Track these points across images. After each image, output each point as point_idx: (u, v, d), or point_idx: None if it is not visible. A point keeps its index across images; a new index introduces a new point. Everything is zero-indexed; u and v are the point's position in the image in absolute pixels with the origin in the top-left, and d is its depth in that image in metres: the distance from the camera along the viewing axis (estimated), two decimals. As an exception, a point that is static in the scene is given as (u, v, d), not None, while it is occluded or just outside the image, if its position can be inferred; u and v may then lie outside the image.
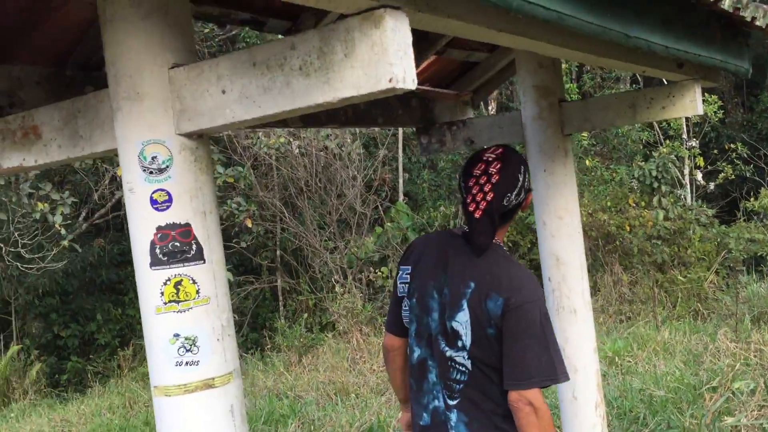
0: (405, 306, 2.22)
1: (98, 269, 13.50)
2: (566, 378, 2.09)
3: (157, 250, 1.52)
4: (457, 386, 2.12)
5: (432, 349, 2.15)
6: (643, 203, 11.02)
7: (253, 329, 12.38)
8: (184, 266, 1.53)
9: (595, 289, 11.03)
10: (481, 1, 1.40)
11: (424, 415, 2.19)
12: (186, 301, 1.53)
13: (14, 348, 10.44)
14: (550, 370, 2.05)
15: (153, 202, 1.52)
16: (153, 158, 1.52)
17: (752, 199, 11.42)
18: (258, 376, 8.31)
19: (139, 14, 1.51)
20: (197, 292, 1.54)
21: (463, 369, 2.11)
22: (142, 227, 1.53)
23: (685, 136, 12.48)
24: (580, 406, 3.01)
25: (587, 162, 11.98)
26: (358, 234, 11.43)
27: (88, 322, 13.08)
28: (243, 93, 1.43)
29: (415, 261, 2.24)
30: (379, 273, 11.42)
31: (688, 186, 12.19)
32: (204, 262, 1.55)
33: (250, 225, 11.76)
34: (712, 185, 11.99)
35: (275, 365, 9.01)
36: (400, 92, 1.28)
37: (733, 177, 11.68)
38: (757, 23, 2.47)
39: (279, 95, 1.38)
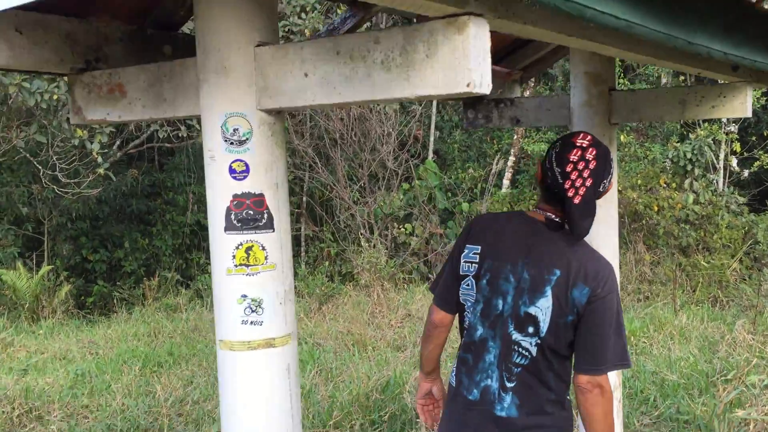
0: (468, 285, 2.24)
1: (129, 198, 13.79)
2: (630, 363, 2.20)
3: (232, 216, 1.64)
4: (516, 369, 2.19)
5: (496, 330, 2.20)
6: (674, 185, 10.98)
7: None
8: (255, 233, 1.65)
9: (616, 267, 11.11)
10: (557, 11, 1.46)
11: (475, 391, 2.25)
12: (255, 265, 1.65)
13: (46, 268, 10.75)
14: (623, 355, 2.15)
15: (231, 171, 1.63)
16: (234, 130, 1.63)
17: (786, 190, 11.33)
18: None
19: (234, -8, 1.59)
20: (265, 258, 1.66)
21: (527, 354, 2.18)
22: (220, 193, 1.65)
23: (724, 119, 12.34)
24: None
25: (622, 137, 11.90)
26: (388, 190, 11.52)
27: (116, 249, 13.42)
28: (325, 78, 1.53)
29: (488, 241, 2.24)
30: (403, 229, 11.56)
31: (721, 171, 12.09)
32: (273, 231, 1.67)
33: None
34: (746, 172, 11.89)
35: (296, 311, 9.24)
36: (475, 95, 1.37)
37: (767, 166, 11.56)
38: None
39: (360, 85, 1.48)
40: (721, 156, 12.04)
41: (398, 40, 1.41)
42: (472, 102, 3.51)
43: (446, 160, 14.58)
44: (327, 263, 12.37)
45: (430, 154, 13.72)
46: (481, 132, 14.65)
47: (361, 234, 9.83)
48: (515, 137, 12.98)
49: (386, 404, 5.03)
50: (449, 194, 12.96)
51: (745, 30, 2.34)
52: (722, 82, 2.90)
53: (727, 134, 11.72)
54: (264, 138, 1.65)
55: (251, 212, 1.64)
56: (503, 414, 2.21)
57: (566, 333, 2.15)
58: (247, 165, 1.63)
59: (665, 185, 11.09)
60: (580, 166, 2.11)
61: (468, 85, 1.33)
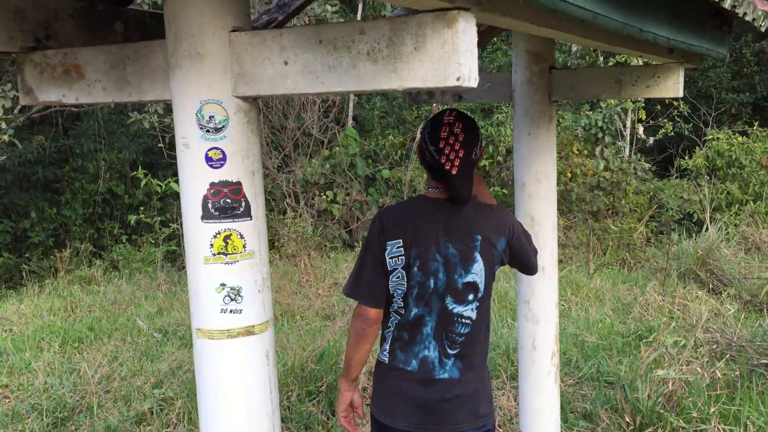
0: (399, 276, 2.33)
1: (35, 166, 13.16)
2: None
3: (210, 205, 1.62)
4: (460, 339, 2.37)
5: (431, 306, 2.35)
6: (585, 152, 11.39)
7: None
8: (233, 221, 1.63)
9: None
10: (532, 2, 1.51)
11: (413, 362, 2.38)
12: (233, 254, 1.64)
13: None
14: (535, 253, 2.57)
15: (208, 159, 1.61)
16: (210, 117, 1.60)
17: (687, 157, 11.94)
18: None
19: (207, -24, 1.55)
20: (244, 246, 1.65)
21: (468, 321, 2.37)
22: (196, 182, 1.62)
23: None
24: (538, 354, 3.28)
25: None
26: (311, 158, 11.43)
27: (21, 219, 12.81)
28: (306, 67, 1.52)
29: (407, 231, 2.33)
30: (324, 197, 11.55)
31: (628, 138, 12.61)
32: (251, 219, 1.66)
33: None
34: (651, 140, 12.43)
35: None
36: (463, 89, 1.40)
37: (672, 134, 12.13)
38: (747, 18, 2.64)
39: (344, 75, 1.48)
40: (628, 124, 12.54)
41: (385, 31, 1.42)
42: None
43: (365, 127, 14.59)
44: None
45: (350, 121, 13.69)
46: (399, 98, 14.70)
47: (287, 203, 9.74)
48: (434, 105, 13.10)
49: (322, 375, 5.09)
50: (370, 161, 13.01)
51: (684, 14, 2.45)
52: (656, 62, 3.03)
53: (634, 103, 12.19)
54: (240, 125, 1.62)
55: (229, 200, 1.63)
56: (444, 375, 2.38)
57: (492, 282, 2.43)
58: (224, 153, 1.61)
59: (578, 152, 11.48)
60: (451, 140, 2.28)
61: (458, 79, 1.36)
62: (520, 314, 3.33)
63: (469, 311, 2.37)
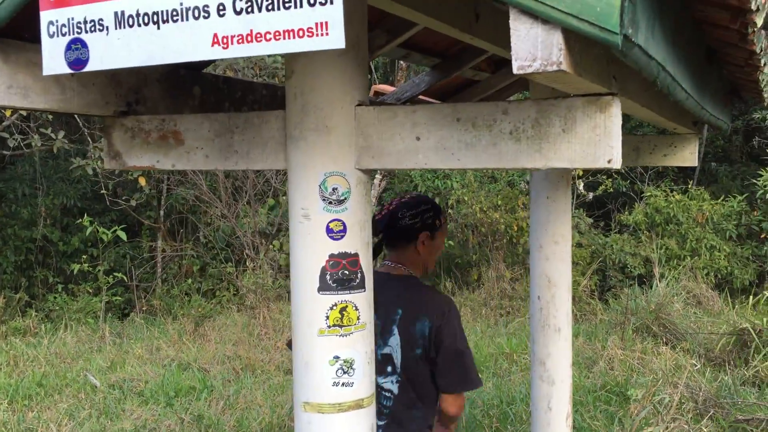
0: None
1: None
2: (480, 383, 2.51)
3: (328, 277, 1.60)
4: (385, 410, 2.41)
5: None
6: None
7: (128, 290, 12.00)
8: (350, 293, 1.62)
9: (479, 283, 11.65)
10: (652, 87, 1.59)
11: None
12: (348, 326, 1.62)
13: None
14: (475, 377, 2.47)
15: (329, 231, 1.59)
16: (333, 189, 1.59)
17: (626, 212, 12.42)
18: (158, 344, 8.13)
19: (338, 50, 1.56)
20: (358, 318, 1.63)
21: (389, 395, 2.41)
22: (314, 253, 1.60)
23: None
24: (553, 416, 3.31)
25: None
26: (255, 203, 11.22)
27: (-56, 266, 12.13)
28: (440, 144, 1.54)
29: None
30: (272, 246, 11.42)
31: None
32: (365, 291, 1.65)
33: (143, 184, 11.38)
34: (591, 195, 12.88)
35: (169, 333, 8.85)
36: (611, 170, 1.45)
37: (611, 190, 12.61)
38: (765, 95, 2.83)
39: (483, 153, 1.50)
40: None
41: (530, 113, 1.46)
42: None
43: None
44: (189, 280, 11.94)
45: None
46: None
47: (246, 254, 9.57)
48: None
49: (304, 433, 4.96)
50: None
51: (717, 94, 2.61)
52: (667, 131, 3.19)
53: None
54: (360, 197, 1.62)
55: (347, 272, 1.61)
56: None
57: (420, 366, 2.42)
58: (344, 224, 1.60)
59: (523, 206, 11.78)
60: (394, 202, 2.59)
61: (609, 162, 1.40)
62: (534, 375, 3.37)
63: (389, 384, 2.42)
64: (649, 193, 12.03)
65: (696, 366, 6.26)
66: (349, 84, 1.59)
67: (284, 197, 12.64)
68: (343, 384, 1.63)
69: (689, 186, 12.27)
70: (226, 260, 11.11)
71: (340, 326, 1.62)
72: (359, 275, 1.63)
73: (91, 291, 11.32)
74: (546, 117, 1.45)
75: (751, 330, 6.62)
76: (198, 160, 1.75)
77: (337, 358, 1.62)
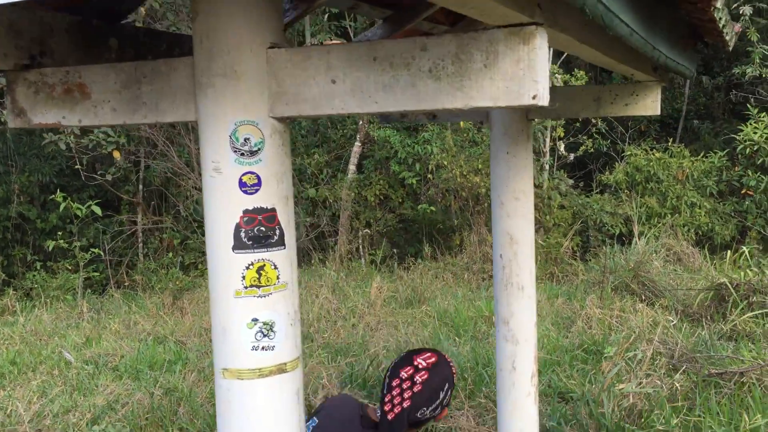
0: None
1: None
2: None
3: (242, 234, 1.49)
4: None
5: None
6: (511, 168, 11.60)
7: (111, 266, 11.88)
8: (267, 251, 1.51)
9: (461, 248, 11.58)
10: (599, 25, 1.47)
11: None
12: (267, 286, 1.51)
13: None
14: None
15: (242, 185, 1.48)
16: (245, 140, 1.47)
17: (606, 173, 12.36)
18: (135, 318, 8.04)
19: (244, -12, 1.43)
20: (277, 277, 1.53)
21: None
22: (227, 209, 1.49)
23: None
24: (518, 376, 3.24)
25: (461, 123, 12.38)
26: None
27: None
28: (357, 86, 1.42)
29: (322, 420, 2.23)
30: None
31: (548, 155, 12.95)
32: (284, 248, 1.54)
33: (118, 157, 11.19)
34: (572, 156, 12.80)
35: (147, 307, 8.75)
36: (536, 107, 1.34)
37: (591, 150, 12.53)
38: (727, 38, 2.71)
39: (401, 94, 1.39)
40: (548, 141, 12.88)
41: (450, 48, 1.34)
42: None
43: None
44: (171, 254, 11.82)
45: (274, 140, 13.48)
46: (324, 118, 14.62)
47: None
48: (360, 123, 13.08)
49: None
50: (296, 180, 12.84)
51: (672, 35, 2.49)
52: (631, 80, 3.08)
53: (554, 120, 12.53)
54: (276, 147, 1.50)
55: (263, 228, 1.50)
56: None
57: None
58: (258, 177, 1.49)
59: (504, 169, 11.65)
60: (405, 385, 2.12)
61: (534, 98, 1.29)
62: (498, 335, 3.29)
63: None
64: (629, 152, 11.95)
65: (672, 322, 6.23)
66: (260, 25, 1.47)
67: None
68: (263, 348, 1.53)
69: (669, 144, 12.19)
70: (191, 232, 10.95)
71: (258, 287, 1.51)
72: (277, 232, 1.52)
73: (70, 268, 11.19)
74: (466, 52, 1.33)
75: (728, 284, 6.60)
76: (105, 115, 1.62)
77: (255, 320, 1.52)
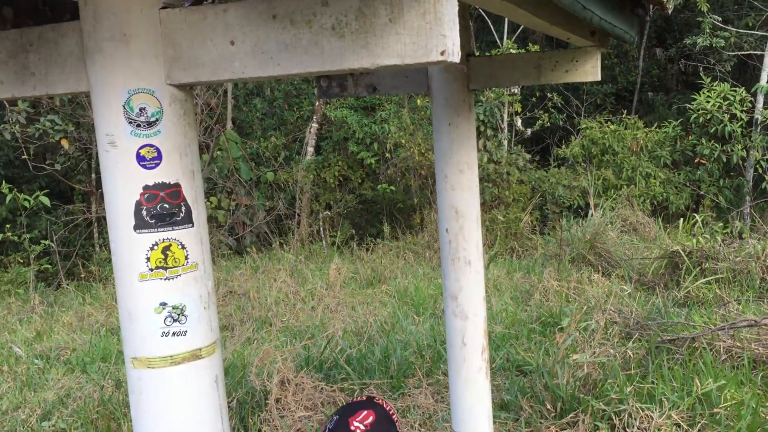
0: None
1: None
2: None
3: (144, 212, 1.38)
4: None
5: None
6: (469, 145, 11.56)
7: (66, 257, 11.59)
8: (173, 230, 1.41)
9: (422, 226, 11.54)
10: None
11: None
12: (174, 267, 1.41)
13: None
14: None
15: (140, 158, 1.37)
16: (141, 110, 1.36)
17: (563, 146, 12.39)
18: (89, 310, 7.84)
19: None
20: (186, 257, 1.43)
21: None
22: (126, 186, 1.38)
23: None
24: (468, 351, 3.18)
25: (418, 101, 12.29)
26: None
27: None
28: (258, 47, 1.32)
29: None
30: (208, 203, 11.10)
31: (506, 131, 12.94)
32: (192, 226, 1.44)
33: (66, 146, 10.87)
34: (529, 131, 12.81)
35: (101, 298, 8.55)
36: (445, 64, 1.25)
37: (548, 124, 12.54)
38: (664, 0, 2.65)
39: (305, 55, 1.29)
40: (505, 117, 12.85)
41: (353, 2, 1.24)
42: (321, 70, 3.34)
43: (245, 130, 14.18)
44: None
45: (229, 124, 13.25)
46: (280, 99, 14.40)
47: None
48: (317, 104, 12.91)
49: (230, 389, 4.80)
50: (253, 164, 12.65)
51: (609, -3, 2.42)
52: (571, 46, 3.01)
53: (511, 96, 12.51)
54: (176, 118, 1.40)
55: (167, 206, 1.40)
56: None
57: None
58: (158, 150, 1.38)
59: (461, 146, 11.61)
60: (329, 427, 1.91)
61: (442, 53, 1.21)
62: (447, 310, 3.23)
63: None
64: (585, 126, 11.99)
65: (627, 291, 6.25)
66: (150, -17, 1.35)
67: (219, 151, 12.28)
68: (174, 333, 1.43)
69: (624, 116, 12.26)
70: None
71: (165, 268, 1.41)
72: (183, 209, 1.42)
73: (21, 261, 10.89)
74: (370, 6, 1.24)
75: (681, 252, 6.64)
76: (-8, 88, 1.50)
77: (164, 304, 1.42)
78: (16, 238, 9.94)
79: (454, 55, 1.23)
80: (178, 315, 1.43)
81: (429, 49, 1.22)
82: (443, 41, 1.21)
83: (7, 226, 10.49)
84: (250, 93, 14.86)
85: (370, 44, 1.25)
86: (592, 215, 8.98)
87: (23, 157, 10.83)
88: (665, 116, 13.38)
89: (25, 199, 9.48)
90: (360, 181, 12.57)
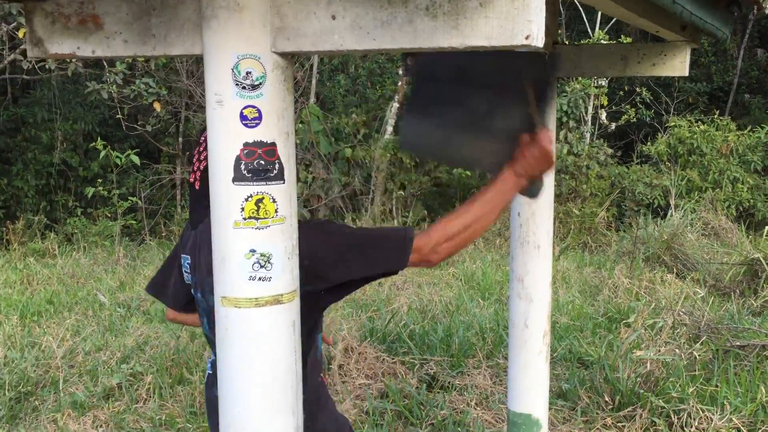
0: (195, 294, 2.13)
1: (-17, 135, 12.70)
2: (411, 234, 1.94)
3: (242, 166, 1.53)
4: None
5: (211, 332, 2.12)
6: (550, 135, 11.45)
7: (150, 215, 12.14)
8: (267, 185, 1.54)
9: (495, 212, 11.53)
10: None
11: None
12: (265, 218, 1.55)
13: None
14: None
15: (243, 117, 1.51)
16: (247, 73, 1.50)
17: (648, 143, 12.12)
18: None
19: None
20: (276, 211, 1.56)
21: None
22: (228, 141, 1.52)
23: (595, 74, 12.92)
24: (530, 333, 3.26)
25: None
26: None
27: (-30, 190, 12.36)
28: (356, 22, 1.43)
29: (193, 252, 2.10)
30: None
31: (589, 123, 12.74)
32: (284, 183, 1.57)
33: (158, 108, 11.33)
34: (614, 125, 12.58)
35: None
36: (532, 49, 1.34)
37: (634, 120, 12.29)
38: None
39: (398, 32, 1.40)
40: (590, 109, 12.65)
41: (447, -15, 1.34)
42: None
43: (327, 105, 14.43)
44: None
45: (312, 98, 13.52)
46: (363, 77, 14.57)
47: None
48: (399, 83, 13.01)
49: (297, 351, 4.99)
50: (332, 139, 12.88)
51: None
52: (660, 40, 3.02)
53: (597, 88, 12.31)
54: (277, 83, 1.53)
55: (262, 162, 1.54)
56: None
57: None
58: (259, 111, 1.51)
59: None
60: (201, 148, 2.04)
61: (527, 38, 1.29)
62: (512, 292, 3.31)
63: None
64: (673, 123, 11.69)
65: (700, 294, 6.15)
66: (263, -42, 1.48)
67: (301, 124, 12.55)
68: (260, 278, 1.57)
69: (715, 116, 11.88)
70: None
71: (256, 218, 1.55)
72: (277, 166, 1.55)
73: (109, 215, 11.47)
74: (463, -10, 1.33)
75: (762, 260, 6.47)
76: (117, 46, 1.66)
77: (253, 251, 1.56)
78: (106, 193, 10.48)
79: (538, 40, 1.31)
80: (265, 262, 1.57)
81: (515, 33, 1.30)
82: (528, 26, 1.29)
83: (99, 181, 11.06)
84: (335, 69, 15.09)
85: (460, 25, 1.34)
86: (671, 215, 8.80)
87: (117, 116, 11.36)
88: (761, 120, 12.89)
89: (117, 157, 9.97)
90: (436, 163, 12.62)
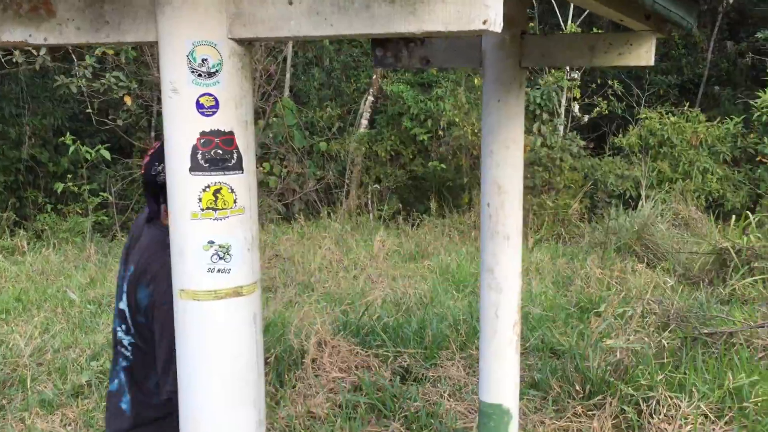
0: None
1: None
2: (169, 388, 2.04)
3: (199, 156, 1.50)
4: (126, 363, 2.23)
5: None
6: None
7: (121, 211, 11.99)
8: (225, 174, 1.52)
9: (470, 206, 11.57)
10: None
11: (115, 381, 2.30)
12: (223, 209, 1.53)
13: None
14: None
15: (199, 106, 1.48)
16: (203, 60, 1.47)
17: (620, 135, 12.22)
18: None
19: None
20: (234, 201, 1.54)
21: (127, 353, 2.22)
22: (185, 131, 1.49)
23: (567, 67, 13.00)
24: (500, 323, 3.26)
25: (476, 81, 12.26)
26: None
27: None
28: (313, 8, 1.41)
29: (129, 242, 2.28)
30: (261, 168, 11.33)
31: (562, 116, 12.80)
32: (242, 172, 1.55)
33: (129, 102, 11.19)
34: (586, 118, 12.66)
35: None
36: (489, 34, 1.32)
37: (606, 112, 12.37)
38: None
39: (356, 17, 1.38)
40: (563, 102, 12.71)
41: (404, -30, 1.32)
42: (381, 41, 3.42)
43: (302, 99, 14.35)
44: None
45: (286, 92, 13.43)
46: (338, 70, 14.51)
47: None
48: (374, 77, 12.98)
49: (269, 346, 4.97)
50: (307, 133, 12.83)
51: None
52: (626, 29, 3.02)
53: (570, 81, 12.36)
54: (234, 70, 1.50)
55: (220, 151, 1.51)
56: (124, 407, 2.25)
57: (146, 333, 2.14)
58: (216, 99, 1.49)
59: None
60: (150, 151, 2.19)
61: (484, 23, 1.28)
62: (483, 283, 3.30)
63: (127, 341, 2.22)
64: (644, 115, 11.79)
65: (670, 283, 6.22)
66: (218, -57, 1.45)
67: (275, 118, 12.48)
68: (218, 270, 1.55)
69: (685, 108, 12.01)
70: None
71: (215, 209, 1.53)
72: (235, 155, 1.53)
73: (80, 211, 11.31)
74: (420, -26, 1.31)
75: (731, 249, 6.56)
76: (70, 33, 1.62)
77: (211, 243, 1.54)
78: (76, 189, 10.33)
79: (496, 25, 1.30)
80: (224, 254, 1.55)
81: (472, 18, 1.29)
82: (486, 11, 1.28)
83: (69, 176, 10.90)
84: (309, 62, 15.00)
85: (417, 11, 1.33)
86: (642, 206, 8.89)
87: (87, 110, 11.20)
88: (730, 112, 13.05)
89: (87, 152, 9.83)
90: (411, 157, 12.63)
